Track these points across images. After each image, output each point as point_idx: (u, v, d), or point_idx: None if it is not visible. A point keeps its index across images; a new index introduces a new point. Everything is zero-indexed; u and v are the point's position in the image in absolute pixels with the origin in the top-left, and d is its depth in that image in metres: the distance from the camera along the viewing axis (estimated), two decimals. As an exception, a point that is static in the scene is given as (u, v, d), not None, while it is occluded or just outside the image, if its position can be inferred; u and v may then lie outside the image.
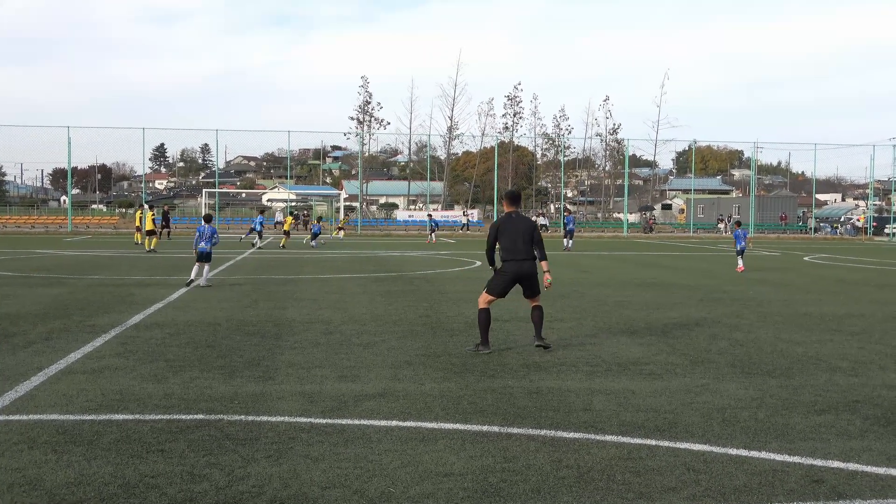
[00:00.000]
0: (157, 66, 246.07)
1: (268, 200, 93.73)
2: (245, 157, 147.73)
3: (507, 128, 79.34)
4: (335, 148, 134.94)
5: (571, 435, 6.15)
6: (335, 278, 19.77)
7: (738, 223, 26.11)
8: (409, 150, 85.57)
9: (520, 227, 9.65)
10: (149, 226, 31.18)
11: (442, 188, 78.41)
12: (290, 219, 37.03)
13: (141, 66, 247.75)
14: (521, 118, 80.00)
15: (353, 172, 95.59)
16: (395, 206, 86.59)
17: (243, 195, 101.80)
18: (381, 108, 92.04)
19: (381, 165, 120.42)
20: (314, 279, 19.40)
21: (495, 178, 64.36)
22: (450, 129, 75.06)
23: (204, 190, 60.69)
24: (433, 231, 45.82)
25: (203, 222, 17.86)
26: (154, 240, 30.77)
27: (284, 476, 5.14)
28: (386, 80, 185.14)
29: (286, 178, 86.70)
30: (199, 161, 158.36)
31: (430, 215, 50.09)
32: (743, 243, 24.08)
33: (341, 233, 48.68)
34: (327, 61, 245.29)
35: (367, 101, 74.12)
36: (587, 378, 8.25)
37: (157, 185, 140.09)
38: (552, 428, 6.33)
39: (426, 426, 6.34)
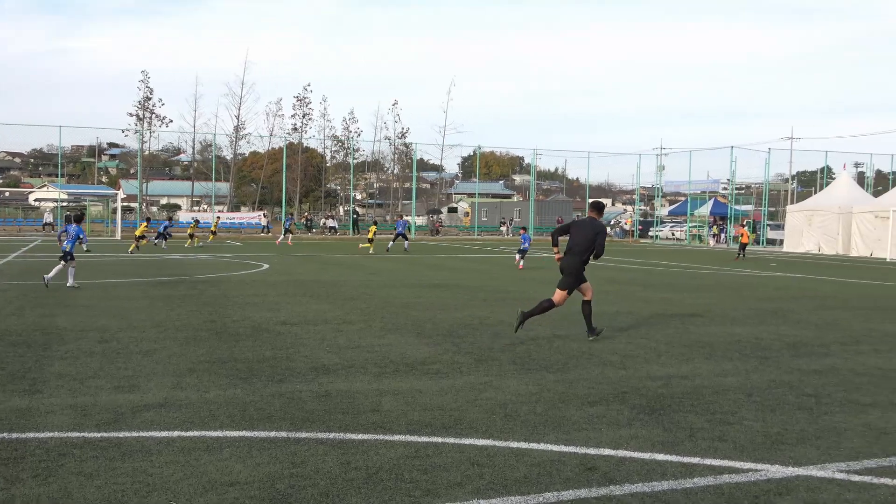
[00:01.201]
0: None
1: (35, 200, 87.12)
2: (9, 153, 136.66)
3: (295, 129, 78.26)
4: (112, 145, 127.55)
5: (360, 436, 6.17)
6: (112, 283, 18.71)
7: (524, 228, 30.20)
8: (193, 149, 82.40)
9: (583, 230, 11.20)
10: None
11: (228, 189, 76.26)
12: (143, 225, 34.97)
13: None
14: (310, 119, 79.35)
15: (132, 171, 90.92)
16: (178, 206, 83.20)
17: (6, 194, 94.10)
18: (163, 104, 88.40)
19: (162, 165, 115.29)
20: (88, 284, 18.24)
21: (283, 180, 63.42)
22: (236, 129, 73.13)
23: (-39, 188, 55.44)
24: (289, 232, 44.36)
25: (73, 222, 17.94)
26: None
27: (54, 495, 4.79)
28: (168, 76, 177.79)
29: (57, 177, 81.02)
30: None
31: (291, 214, 48.37)
32: (526, 245, 27.04)
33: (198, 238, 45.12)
34: (104, 54, 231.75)
35: (147, 97, 70.63)
36: (376, 379, 8.31)
37: None
38: (341, 430, 6.33)
39: (210, 435, 6.14)
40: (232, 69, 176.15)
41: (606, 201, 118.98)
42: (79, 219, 18.25)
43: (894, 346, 11.26)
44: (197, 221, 44.43)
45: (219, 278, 20.49)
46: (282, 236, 43.81)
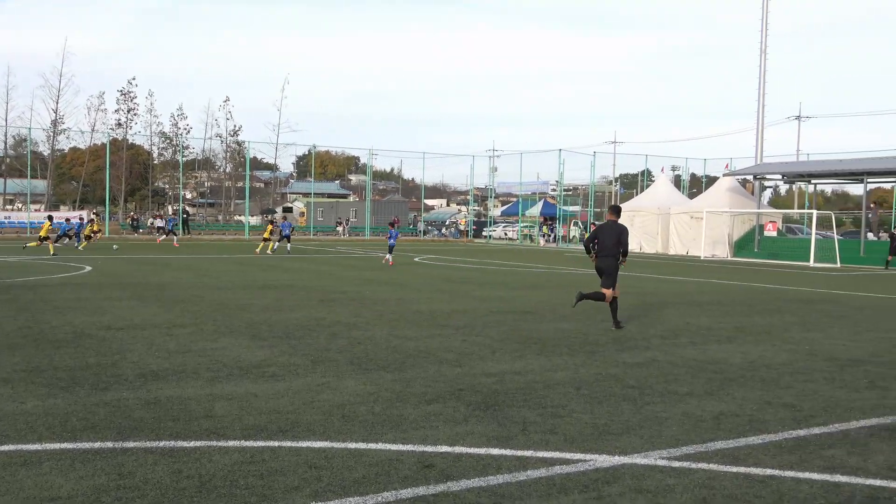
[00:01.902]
0: None
1: None
2: None
3: (120, 124, 74.83)
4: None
5: (192, 444, 5.97)
6: (-87, 288, 17.22)
7: (392, 224, 31.79)
8: (6, 143, 77.20)
9: (609, 233, 13.02)
10: None
11: (45, 187, 71.87)
12: (47, 224, 32.31)
13: None
14: (135, 115, 75.91)
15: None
16: (-12, 205, 77.66)
17: None
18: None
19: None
20: None
21: (107, 177, 60.39)
22: (54, 123, 69.05)
23: None
24: (168, 233, 41.62)
25: None
26: None
27: None
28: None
29: None
30: None
31: (174, 215, 45.69)
32: (393, 241, 29.95)
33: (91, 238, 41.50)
34: None
35: (-49, 87, 65.58)
36: (208, 384, 8.06)
37: None
38: (172, 438, 6.09)
39: (28, 448, 5.76)
40: (49, 59, 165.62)
41: (440, 202, 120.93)
42: None
43: (708, 339, 12.03)
44: (92, 221, 41.85)
45: (35, 282, 19.27)
46: (172, 236, 41.52)
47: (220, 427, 6.45)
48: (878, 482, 5.46)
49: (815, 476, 5.57)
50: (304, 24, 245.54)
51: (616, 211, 13.34)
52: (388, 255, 29.41)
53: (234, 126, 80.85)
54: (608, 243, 12.95)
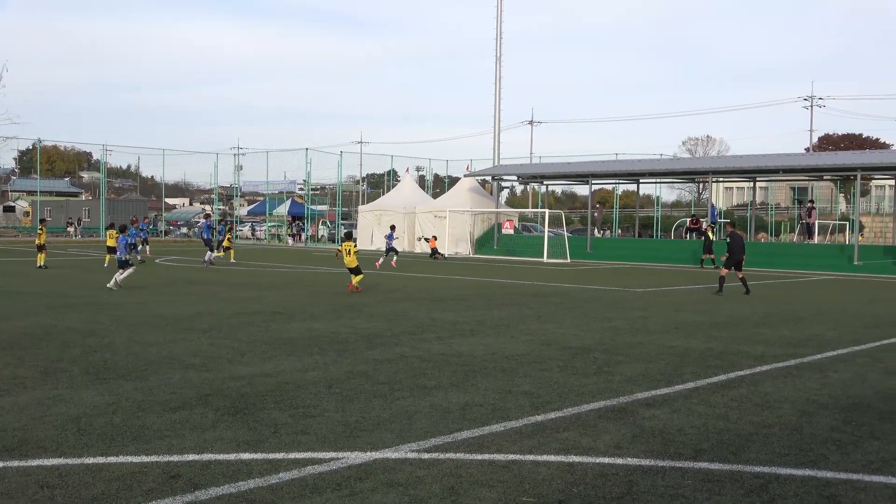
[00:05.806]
0: None
1: None
2: None
3: None
4: None
5: None
6: None
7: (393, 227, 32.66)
8: None
9: (739, 239, 21.24)
10: None
11: None
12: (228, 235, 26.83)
13: None
14: None
15: None
16: None
17: None
18: None
19: None
20: None
21: None
22: None
23: None
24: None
25: None
26: None
27: None
28: None
29: None
30: None
31: None
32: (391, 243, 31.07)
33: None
34: None
35: None
36: (-83, 403, 7.21)
37: None
38: None
39: None
40: None
41: (182, 201, 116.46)
42: None
43: (454, 333, 12.49)
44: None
45: None
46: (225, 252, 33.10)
47: (-68, 450, 5.80)
48: (606, 460, 5.95)
49: (552, 458, 5.97)
50: (21, 6, 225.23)
51: (734, 225, 21.61)
52: (383, 259, 30.12)
53: (-56, 116, 72.63)
54: (738, 245, 20.80)
